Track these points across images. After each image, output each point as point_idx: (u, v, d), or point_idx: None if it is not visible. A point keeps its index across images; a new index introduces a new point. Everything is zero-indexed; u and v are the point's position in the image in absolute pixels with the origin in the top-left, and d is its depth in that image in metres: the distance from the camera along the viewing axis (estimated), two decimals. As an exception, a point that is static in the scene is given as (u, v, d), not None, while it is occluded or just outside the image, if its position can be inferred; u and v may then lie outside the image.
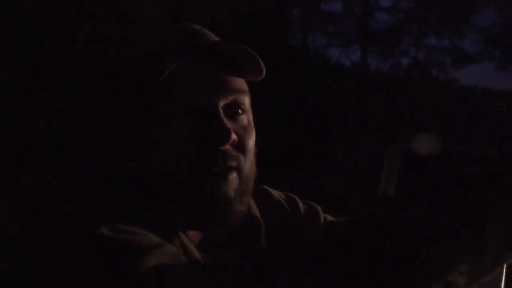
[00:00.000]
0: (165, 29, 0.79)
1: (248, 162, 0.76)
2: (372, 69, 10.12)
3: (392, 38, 10.34)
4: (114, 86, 0.78)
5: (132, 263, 0.60)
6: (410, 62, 10.51)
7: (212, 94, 0.72)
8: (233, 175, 0.73)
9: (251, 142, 0.76)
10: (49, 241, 0.65)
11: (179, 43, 0.74)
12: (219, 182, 0.72)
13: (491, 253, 0.59)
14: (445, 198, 0.63)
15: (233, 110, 0.75)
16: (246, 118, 0.77)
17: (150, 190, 0.73)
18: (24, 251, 0.66)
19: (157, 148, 0.72)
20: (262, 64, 0.75)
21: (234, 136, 0.72)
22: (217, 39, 0.79)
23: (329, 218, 0.95)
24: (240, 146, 0.74)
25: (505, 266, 0.81)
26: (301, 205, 0.93)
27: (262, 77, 0.77)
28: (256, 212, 0.84)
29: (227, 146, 0.72)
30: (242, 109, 0.76)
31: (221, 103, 0.73)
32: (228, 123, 0.72)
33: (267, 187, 0.92)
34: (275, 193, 0.93)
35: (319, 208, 0.95)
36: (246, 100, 0.76)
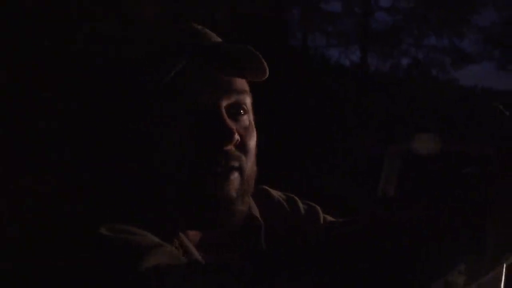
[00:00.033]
0: (165, 29, 0.79)
1: (250, 162, 0.76)
2: (372, 69, 10.12)
3: (392, 38, 10.35)
4: (114, 86, 0.78)
5: (132, 263, 0.60)
6: (409, 62, 10.52)
7: (215, 95, 0.72)
8: (235, 175, 0.73)
9: (252, 142, 0.76)
10: (49, 241, 0.65)
11: (180, 43, 0.74)
12: (222, 182, 0.72)
13: (491, 253, 0.59)
14: (444, 198, 0.63)
15: (235, 110, 0.75)
16: (248, 118, 0.77)
17: (150, 190, 0.73)
18: (24, 251, 0.66)
19: (158, 148, 0.72)
20: (265, 64, 0.75)
21: (237, 137, 0.72)
22: (219, 39, 0.79)
23: (329, 218, 0.95)
24: (242, 147, 0.74)
25: (504, 266, 0.80)
26: (301, 205, 0.93)
27: (265, 77, 0.77)
28: (256, 212, 0.84)
29: (230, 147, 0.72)
30: (244, 109, 0.76)
31: (224, 104, 0.73)
32: (231, 123, 0.72)
33: (267, 187, 0.92)
34: (275, 193, 0.94)
35: (318, 208, 0.95)
36: (248, 101, 0.77)
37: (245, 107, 0.76)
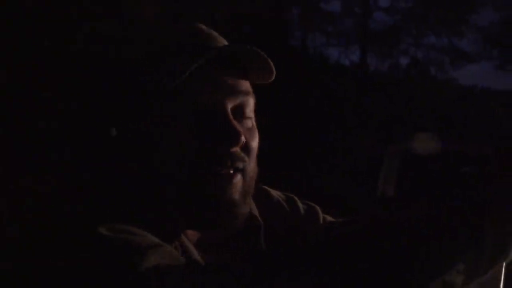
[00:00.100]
0: (165, 29, 0.79)
1: (252, 164, 0.76)
2: (371, 69, 10.13)
3: (391, 38, 10.35)
4: (114, 86, 0.78)
5: (132, 263, 0.60)
6: (409, 62, 10.53)
7: (221, 96, 0.72)
8: (238, 178, 0.74)
9: (255, 143, 0.77)
10: (49, 241, 0.65)
11: (180, 43, 0.75)
12: (225, 185, 0.72)
13: (489, 253, 0.60)
14: (443, 198, 0.63)
15: (240, 112, 0.75)
16: (251, 120, 0.77)
17: (150, 190, 0.73)
18: (24, 251, 0.66)
19: (158, 148, 0.72)
20: (272, 65, 0.75)
21: (243, 139, 0.72)
22: (224, 40, 0.79)
23: (328, 218, 0.95)
24: (246, 148, 0.74)
25: (504, 265, 0.81)
26: (300, 205, 0.94)
27: (272, 79, 0.77)
28: (255, 212, 0.84)
29: (236, 148, 0.72)
30: (248, 111, 0.76)
31: (230, 105, 0.73)
32: (237, 125, 0.72)
33: (266, 187, 0.93)
34: (275, 193, 0.94)
35: (318, 208, 0.95)
36: (251, 102, 0.77)
37: (249, 109, 0.76)
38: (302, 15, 9.59)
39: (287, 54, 7.22)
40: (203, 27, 0.78)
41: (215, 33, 0.78)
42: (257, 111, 0.79)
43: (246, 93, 0.75)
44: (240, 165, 0.73)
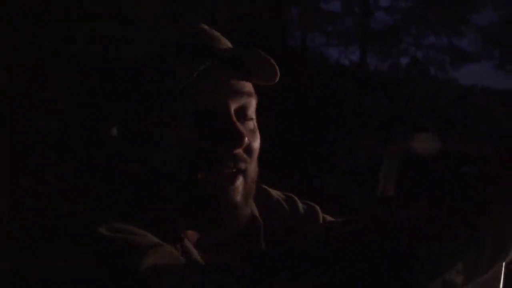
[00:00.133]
0: (165, 29, 0.79)
1: (253, 165, 0.76)
2: (371, 69, 10.13)
3: (391, 38, 10.35)
4: (114, 86, 0.78)
5: (132, 263, 0.60)
6: (409, 62, 10.53)
7: (224, 97, 0.72)
8: (240, 179, 0.74)
9: (256, 145, 0.77)
10: (49, 241, 0.65)
11: (180, 43, 0.75)
12: (227, 185, 0.72)
13: (489, 252, 0.60)
14: (443, 198, 0.63)
15: (243, 113, 0.75)
16: (253, 121, 0.77)
17: (150, 190, 0.73)
18: (24, 251, 0.66)
19: (158, 148, 0.72)
20: (276, 67, 0.75)
21: (247, 140, 0.72)
22: (227, 41, 0.79)
23: (328, 218, 0.95)
24: (248, 149, 0.75)
25: (504, 264, 0.81)
26: (300, 205, 0.94)
27: (276, 80, 0.77)
28: (255, 212, 0.84)
29: (239, 149, 0.73)
30: (250, 112, 0.76)
31: (233, 106, 0.73)
32: (240, 126, 0.72)
33: (266, 187, 0.93)
34: (274, 193, 0.94)
35: (318, 208, 0.95)
36: (254, 103, 0.77)
37: (251, 110, 0.76)
38: (302, 15, 9.60)
39: (287, 54, 7.22)
40: (206, 27, 0.78)
41: (217, 33, 0.78)
42: (257, 111, 0.79)
43: (249, 95, 0.75)
44: (242, 166, 0.73)
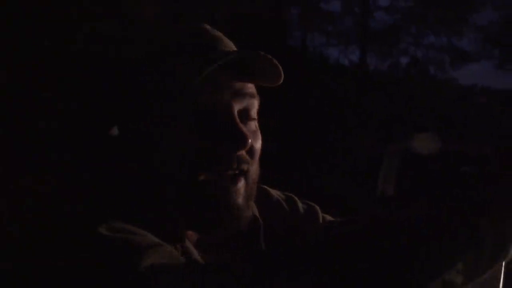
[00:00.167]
0: (165, 29, 0.79)
1: (255, 166, 0.77)
2: (371, 68, 10.13)
3: (391, 37, 10.35)
4: (114, 86, 0.78)
5: (132, 263, 0.60)
6: (408, 61, 10.52)
7: (228, 99, 0.72)
8: (242, 180, 0.74)
9: (258, 146, 0.77)
10: (49, 241, 0.65)
11: (180, 43, 0.75)
12: (229, 186, 0.73)
13: (489, 252, 0.60)
14: (443, 197, 0.63)
15: (245, 114, 0.75)
16: (255, 122, 0.77)
17: (150, 190, 0.73)
18: (24, 251, 0.66)
19: (158, 148, 0.72)
20: (280, 69, 0.75)
21: (250, 142, 0.73)
22: (230, 42, 0.79)
23: (328, 217, 0.96)
24: (250, 150, 0.75)
25: (503, 264, 0.81)
26: (300, 204, 0.94)
27: (280, 82, 0.77)
28: (255, 211, 0.84)
29: (242, 151, 0.73)
30: (252, 114, 0.76)
31: (237, 108, 0.73)
32: (244, 128, 0.72)
33: (266, 187, 0.93)
34: (274, 192, 0.94)
35: (318, 208, 0.95)
36: (256, 105, 0.77)
37: (254, 112, 0.76)
38: (301, 15, 9.59)
39: (287, 54, 7.22)
40: (208, 27, 0.78)
41: (219, 34, 0.78)
42: (257, 111, 0.79)
43: (252, 96, 0.75)
44: (245, 167, 0.74)
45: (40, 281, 0.62)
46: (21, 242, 0.67)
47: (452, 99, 8.97)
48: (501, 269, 0.83)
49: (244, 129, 0.72)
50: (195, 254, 0.74)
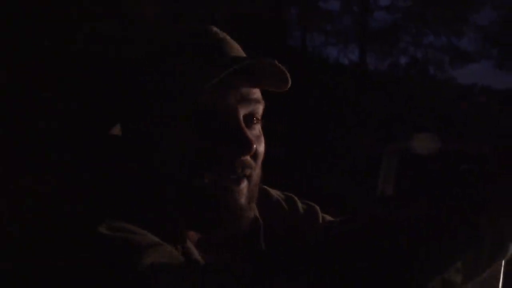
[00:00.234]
0: (165, 29, 0.79)
1: (258, 169, 0.77)
2: (370, 68, 10.11)
3: (390, 37, 10.34)
4: (114, 86, 0.78)
5: (132, 262, 0.60)
6: (408, 61, 10.51)
7: (234, 103, 0.72)
8: (245, 183, 0.74)
9: (262, 150, 0.77)
10: (49, 241, 0.65)
11: (180, 43, 0.75)
12: (232, 187, 0.73)
13: (488, 251, 0.60)
14: (443, 197, 0.63)
15: (251, 119, 0.75)
16: (259, 127, 0.77)
17: (150, 190, 0.73)
18: (24, 251, 0.66)
19: (158, 148, 0.72)
20: (287, 75, 0.75)
21: (255, 147, 0.73)
22: (235, 43, 0.79)
23: (328, 217, 0.96)
24: (254, 155, 0.75)
25: (503, 263, 0.81)
26: (299, 204, 0.94)
27: (288, 87, 0.77)
28: (255, 212, 0.85)
29: (247, 156, 0.73)
30: (257, 118, 0.76)
31: (242, 113, 0.73)
32: (249, 133, 0.72)
33: (266, 187, 0.93)
34: (274, 192, 0.94)
35: (317, 207, 0.96)
36: (261, 110, 0.77)
37: (258, 116, 0.76)
38: (301, 14, 9.58)
39: (286, 54, 7.21)
40: (213, 28, 0.78)
41: (224, 35, 0.78)
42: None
43: (258, 101, 0.75)
44: (248, 172, 0.74)
45: (40, 281, 0.62)
46: (21, 242, 0.67)
47: (451, 98, 8.97)
48: (501, 268, 0.83)
49: (249, 134, 0.72)
50: (196, 254, 0.74)
